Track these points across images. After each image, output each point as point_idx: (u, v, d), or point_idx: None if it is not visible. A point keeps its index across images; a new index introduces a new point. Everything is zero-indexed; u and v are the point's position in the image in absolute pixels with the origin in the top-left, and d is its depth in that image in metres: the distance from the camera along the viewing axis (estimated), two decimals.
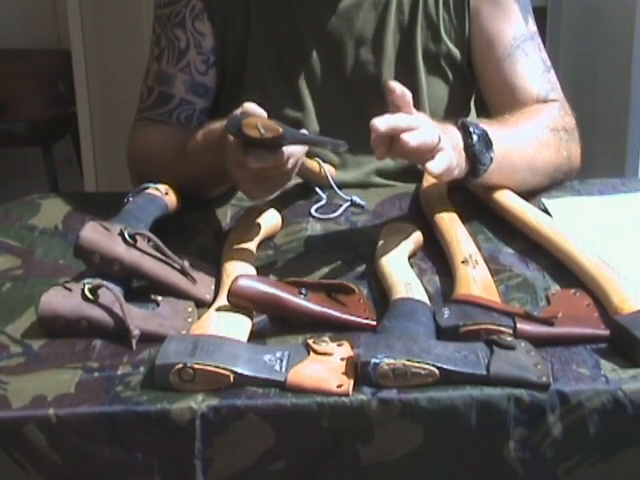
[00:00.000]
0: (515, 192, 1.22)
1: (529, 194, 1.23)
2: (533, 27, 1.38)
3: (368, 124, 1.07)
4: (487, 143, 1.16)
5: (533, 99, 1.35)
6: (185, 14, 1.35)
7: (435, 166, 1.04)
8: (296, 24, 1.36)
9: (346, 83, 1.37)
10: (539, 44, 1.39)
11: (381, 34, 1.36)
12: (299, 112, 1.36)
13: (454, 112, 1.41)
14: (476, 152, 1.14)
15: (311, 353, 0.87)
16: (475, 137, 1.15)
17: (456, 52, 1.38)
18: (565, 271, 1.04)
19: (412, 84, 1.37)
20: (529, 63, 1.36)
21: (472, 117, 1.49)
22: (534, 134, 1.27)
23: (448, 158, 1.06)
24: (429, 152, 1.04)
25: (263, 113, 1.08)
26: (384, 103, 1.26)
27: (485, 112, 1.40)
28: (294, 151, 1.07)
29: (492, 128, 1.19)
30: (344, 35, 1.36)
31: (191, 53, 1.36)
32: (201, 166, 1.22)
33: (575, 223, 1.16)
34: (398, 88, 1.09)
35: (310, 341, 0.88)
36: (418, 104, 1.38)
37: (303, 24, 1.35)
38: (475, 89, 1.46)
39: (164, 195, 1.19)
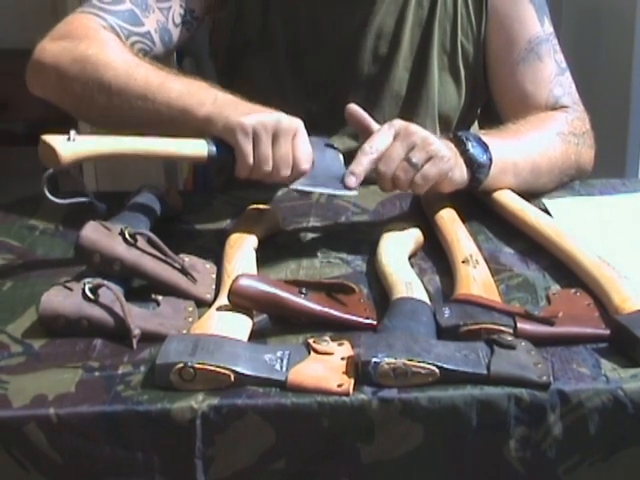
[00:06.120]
0: (517, 193, 1.22)
1: (531, 195, 1.23)
2: (549, 28, 1.37)
3: (379, 118, 1.06)
4: (482, 146, 1.16)
5: (542, 106, 1.34)
6: None
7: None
8: (315, 13, 1.35)
9: (361, 76, 1.36)
10: (554, 45, 1.37)
11: (400, 28, 1.36)
12: (309, 101, 1.35)
13: (462, 113, 1.41)
14: (472, 155, 1.14)
15: (311, 352, 0.86)
16: (469, 143, 1.15)
17: (471, 51, 1.38)
18: (565, 271, 1.04)
19: (425, 80, 1.37)
20: (542, 68, 1.35)
21: (474, 129, 1.48)
22: (537, 137, 1.27)
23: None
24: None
25: None
26: (397, 98, 1.25)
27: (488, 125, 1.38)
28: None
29: (488, 134, 1.19)
30: (364, 27, 1.35)
31: (175, 2, 1.33)
32: (154, 116, 1.14)
33: (576, 223, 1.16)
34: (356, 112, 1.09)
35: (310, 340, 0.88)
36: (428, 101, 1.38)
37: (322, 13, 1.35)
38: (484, 97, 1.45)
39: (165, 195, 1.19)
